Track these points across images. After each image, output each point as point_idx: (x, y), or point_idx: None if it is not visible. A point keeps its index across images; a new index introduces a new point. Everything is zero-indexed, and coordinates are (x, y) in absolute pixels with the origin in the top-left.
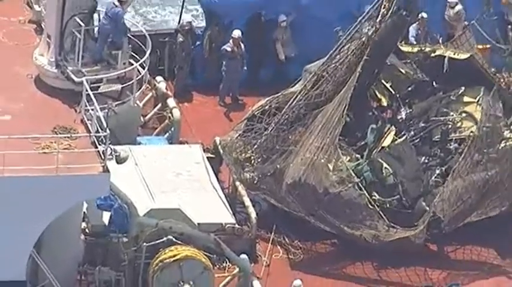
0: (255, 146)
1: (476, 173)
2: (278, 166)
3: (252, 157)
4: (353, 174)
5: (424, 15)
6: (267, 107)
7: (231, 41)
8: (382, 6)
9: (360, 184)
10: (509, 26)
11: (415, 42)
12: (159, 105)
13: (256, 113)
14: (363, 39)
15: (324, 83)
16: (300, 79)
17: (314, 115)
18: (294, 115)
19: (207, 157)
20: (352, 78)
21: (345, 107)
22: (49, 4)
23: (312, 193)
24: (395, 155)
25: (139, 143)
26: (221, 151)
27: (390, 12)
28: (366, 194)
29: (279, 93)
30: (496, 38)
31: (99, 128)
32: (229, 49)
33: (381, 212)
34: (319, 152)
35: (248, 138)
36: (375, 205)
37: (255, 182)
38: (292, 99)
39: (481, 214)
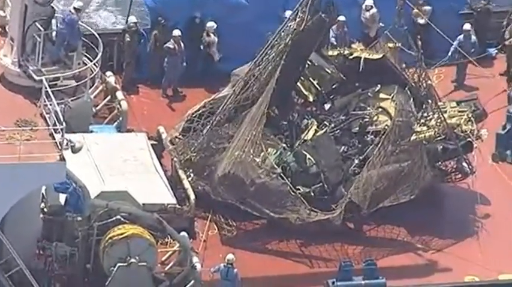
0: (193, 148)
1: (389, 164)
2: (213, 162)
3: (192, 158)
4: (275, 166)
5: (342, 18)
6: (201, 111)
7: (172, 39)
8: (301, 10)
9: (283, 174)
10: (418, 36)
11: (335, 43)
12: (109, 97)
13: (193, 116)
14: (284, 41)
15: (250, 87)
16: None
17: (243, 116)
18: (225, 117)
19: (151, 144)
20: (272, 81)
21: (266, 105)
22: (13, 11)
23: (240, 183)
24: (316, 146)
25: (92, 131)
26: (171, 154)
27: (308, 15)
28: (288, 183)
29: (212, 98)
30: (407, 44)
31: (56, 121)
32: (171, 46)
33: (302, 198)
34: (245, 147)
35: (186, 140)
36: (297, 193)
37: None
38: (223, 103)
39: (394, 200)
